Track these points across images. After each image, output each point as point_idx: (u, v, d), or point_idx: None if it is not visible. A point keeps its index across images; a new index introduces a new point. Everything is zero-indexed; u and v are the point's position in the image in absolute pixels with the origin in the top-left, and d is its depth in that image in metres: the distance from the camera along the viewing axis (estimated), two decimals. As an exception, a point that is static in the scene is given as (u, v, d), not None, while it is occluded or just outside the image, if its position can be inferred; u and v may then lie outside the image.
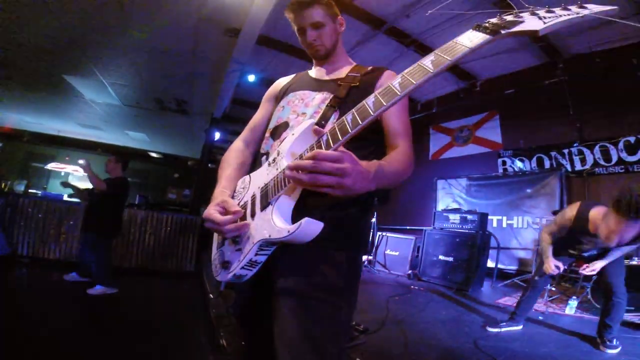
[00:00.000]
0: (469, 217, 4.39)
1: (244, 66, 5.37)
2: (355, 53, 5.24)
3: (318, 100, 1.06)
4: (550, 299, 3.62)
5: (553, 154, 5.15)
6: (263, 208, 0.90)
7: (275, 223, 0.83)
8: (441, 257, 4.49)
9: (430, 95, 6.83)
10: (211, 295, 1.50)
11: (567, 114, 4.89)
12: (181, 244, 5.24)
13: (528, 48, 5.06)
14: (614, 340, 2.31)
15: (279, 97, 1.21)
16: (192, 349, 2.13)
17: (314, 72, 1.23)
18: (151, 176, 11.93)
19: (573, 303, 3.30)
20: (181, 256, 5.22)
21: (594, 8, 0.64)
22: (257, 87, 5.96)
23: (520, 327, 2.68)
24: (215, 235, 1.04)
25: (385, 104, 0.71)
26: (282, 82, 1.28)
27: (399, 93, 0.70)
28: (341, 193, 0.73)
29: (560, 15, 0.66)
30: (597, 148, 4.71)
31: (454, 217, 4.57)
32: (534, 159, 5.38)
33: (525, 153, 5.47)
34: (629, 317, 2.88)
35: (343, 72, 1.16)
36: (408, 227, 5.36)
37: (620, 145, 4.51)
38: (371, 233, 5.93)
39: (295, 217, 0.84)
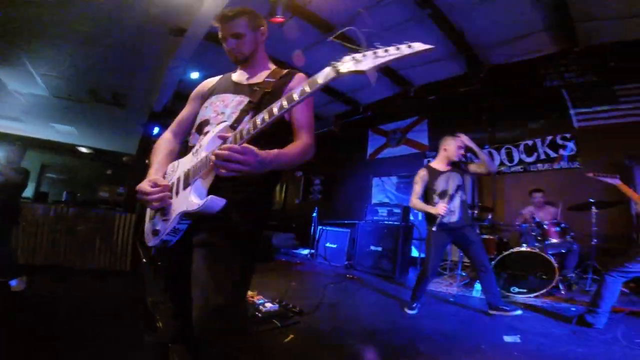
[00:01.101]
0: (395, 210, 4.87)
1: (188, 63, 5.30)
2: (306, 55, 5.40)
3: (235, 102, 1.29)
4: (463, 283, 4.18)
5: (469, 155, 5.86)
6: (185, 187, 1.15)
7: (191, 199, 1.09)
8: (372, 248, 4.91)
9: (370, 99, 7.23)
10: (144, 260, 1.60)
11: (481, 120, 5.63)
12: (114, 241, 5.00)
13: (456, 58, 5.45)
14: (505, 305, 2.83)
15: (205, 97, 1.41)
16: (129, 334, 2.17)
17: (236, 75, 1.42)
18: (80, 172, 10.99)
19: (478, 286, 3.79)
20: (114, 253, 4.97)
21: (418, 47, 0.92)
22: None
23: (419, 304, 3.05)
24: (148, 210, 1.28)
25: (274, 114, 1.00)
26: (207, 84, 1.48)
27: (275, 113, 0.99)
28: (246, 173, 1.01)
29: (391, 54, 0.92)
30: (503, 150, 5.50)
31: (382, 211, 5.04)
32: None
33: (448, 154, 6.16)
34: (522, 298, 3.45)
35: (261, 76, 1.36)
36: (347, 222, 5.71)
37: (521, 148, 5.33)
38: (312, 227, 6.24)
39: (208, 194, 1.11)
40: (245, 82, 1.37)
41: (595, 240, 3.53)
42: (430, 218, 2.96)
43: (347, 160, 8.12)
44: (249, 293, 2.65)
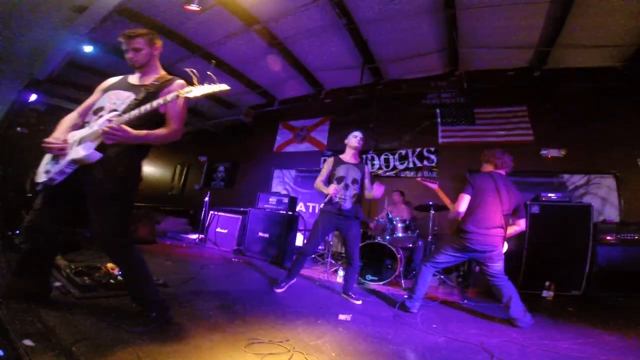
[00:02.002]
0: (284, 200, 5.24)
1: (84, 36, 4.93)
2: (225, 44, 5.42)
3: (125, 97, 1.93)
4: (332, 269, 4.70)
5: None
6: (78, 144, 1.82)
7: (80, 151, 1.78)
8: (261, 234, 5.19)
9: (286, 95, 7.47)
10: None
11: (369, 128, 6.35)
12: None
13: (366, 68, 5.84)
14: (353, 294, 3.28)
15: (105, 90, 2.03)
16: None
17: (133, 77, 2.05)
18: None
19: (341, 272, 4.31)
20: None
21: (222, 87, 1.71)
22: (105, 55, 5.65)
23: (294, 280, 3.39)
24: (45, 158, 1.91)
25: (149, 108, 1.77)
26: (110, 81, 2.08)
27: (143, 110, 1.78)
28: (121, 141, 1.75)
29: (205, 89, 1.71)
30: (382, 156, 6.32)
31: (273, 199, 5.36)
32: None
33: (338, 155, 6.79)
34: (373, 285, 4.01)
35: (150, 79, 2.00)
36: (242, 209, 5.86)
37: (397, 156, 6.20)
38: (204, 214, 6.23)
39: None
40: (136, 83, 2.01)
41: (430, 237, 4.32)
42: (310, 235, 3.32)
43: (254, 150, 8.27)
44: (110, 265, 2.65)
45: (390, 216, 4.51)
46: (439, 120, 5.99)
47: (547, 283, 3.70)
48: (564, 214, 3.83)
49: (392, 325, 2.62)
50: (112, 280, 2.45)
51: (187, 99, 1.81)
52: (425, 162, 5.89)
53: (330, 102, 6.97)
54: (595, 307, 3.39)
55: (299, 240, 5.61)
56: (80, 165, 1.80)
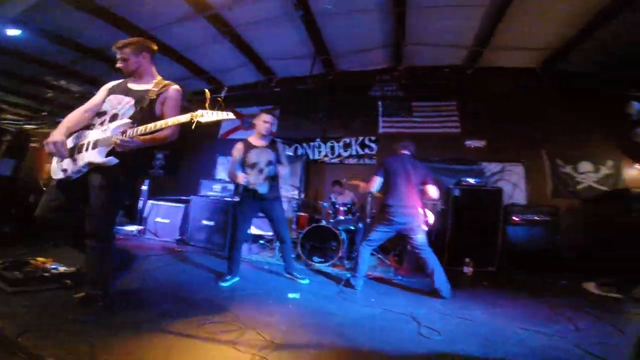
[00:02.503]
0: (228, 186, 5.21)
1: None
2: (171, 29, 5.10)
3: (125, 102, 2.14)
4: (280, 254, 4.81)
5: (304, 144, 6.76)
6: (93, 148, 2.04)
7: (97, 156, 2.01)
8: (205, 222, 5.09)
9: (234, 82, 7.24)
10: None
11: (317, 117, 6.51)
12: None
13: (317, 59, 5.90)
14: (300, 273, 3.44)
15: (109, 92, 2.21)
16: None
17: (131, 82, 2.24)
18: None
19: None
20: None
21: (230, 115, 2.01)
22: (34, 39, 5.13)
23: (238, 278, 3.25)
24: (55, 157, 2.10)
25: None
26: (112, 84, 2.27)
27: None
28: (129, 150, 2.00)
29: (215, 115, 1.97)
30: (328, 144, 6.55)
31: (217, 186, 5.29)
32: (293, 147, 6.85)
33: (287, 142, 6.88)
34: (320, 267, 4.21)
35: (148, 85, 2.20)
36: (183, 197, 5.66)
37: (341, 144, 6.47)
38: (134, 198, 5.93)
39: (107, 156, 2.03)
40: (135, 88, 2.20)
41: (369, 220, 4.67)
42: (238, 187, 3.35)
43: (197, 137, 7.91)
44: (40, 259, 2.50)
45: (333, 200, 4.76)
46: (380, 111, 6.36)
47: (467, 260, 4.24)
48: (480, 197, 4.40)
49: (336, 301, 2.86)
50: (45, 274, 2.31)
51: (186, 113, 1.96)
52: (367, 150, 6.26)
53: (280, 91, 6.97)
54: (505, 281, 3.94)
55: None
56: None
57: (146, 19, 4.96)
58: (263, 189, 3.21)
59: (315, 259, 4.41)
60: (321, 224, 4.55)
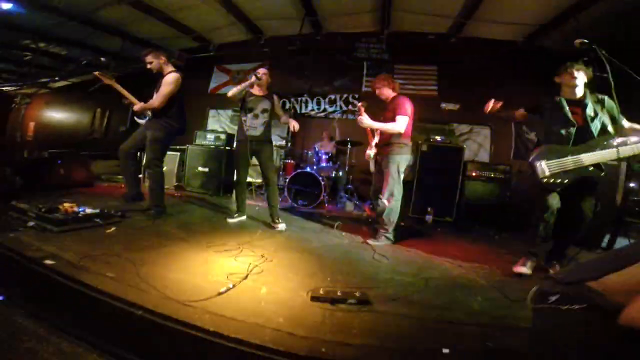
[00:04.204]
0: (221, 136, 5.68)
1: None
2: None
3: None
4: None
5: (292, 99, 7.13)
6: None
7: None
8: (200, 169, 5.63)
9: (223, 40, 7.38)
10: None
11: (304, 74, 6.82)
12: None
13: (307, 20, 6.20)
14: (279, 219, 3.69)
15: None
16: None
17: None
18: None
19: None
20: None
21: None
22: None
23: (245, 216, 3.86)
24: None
25: None
26: None
27: None
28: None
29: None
30: (315, 99, 6.96)
31: (210, 136, 5.75)
32: (280, 102, 7.19)
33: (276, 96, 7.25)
34: (304, 209, 4.88)
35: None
36: (179, 147, 6.07)
37: (327, 100, 6.89)
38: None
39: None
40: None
41: (347, 168, 5.30)
42: (235, 135, 3.82)
43: (186, 92, 8.08)
44: (67, 204, 2.95)
45: (317, 149, 5.33)
46: (364, 72, 6.71)
47: (429, 209, 4.93)
48: (444, 153, 4.98)
49: (316, 233, 3.63)
50: (79, 215, 2.86)
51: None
52: (351, 107, 6.72)
53: (269, 50, 7.18)
54: (458, 230, 4.57)
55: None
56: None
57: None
58: (256, 132, 3.59)
59: (300, 202, 5.08)
60: (305, 170, 5.13)
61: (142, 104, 3.49)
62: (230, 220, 3.69)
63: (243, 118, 3.63)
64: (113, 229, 2.85)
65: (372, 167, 3.81)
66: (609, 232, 3.86)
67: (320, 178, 5.00)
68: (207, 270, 2.18)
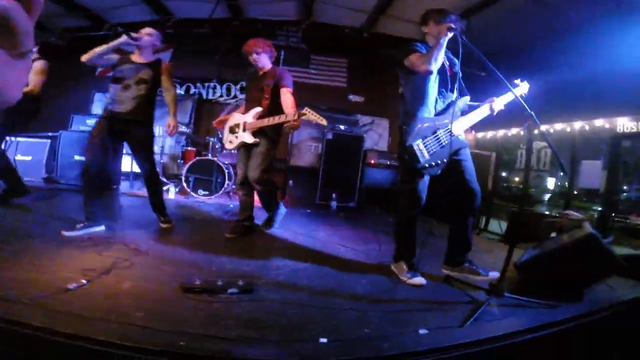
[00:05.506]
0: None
1: None
2: None
3: None
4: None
5: (199, 84, 6.62)
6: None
7: None
8: (77, 157, 4.76)
9: (122, 20, 6.32)
10: None
11: (215, 59, 6.33)
12: None
13: (225, 4, 5.81)
14: (167, 216, 3.03)
15: None
16: None
17: None
18: None
19: (173, 189, 4.77)
20: None
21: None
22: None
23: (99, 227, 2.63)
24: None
25: None
26: None
27: None
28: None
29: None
30: (225, 85, 6.58)
31: (90, 121, 5.02)
32: (184, 86, 6.65)
33: (180, 81, 6.63)
34: (204, 198, 4.56)
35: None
36: (50, 133, 5.07)
37: (238, 86, 6.58)
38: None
39: None
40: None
41: None
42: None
43: (68, 74, 6.84)
44: None
45: (220, 135, 5.00)
46: (282, 59, 6.56)
47: (334, 195, 5.08)
48: (347, 142, 5.20)
49: (209, 224, 3.40)
50: None
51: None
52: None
53: (176, 32, 6.42)
54: (358, 215, 4.81)
55: (126, 163, 5.36)
56: None
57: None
58: (125, 106, 2.66)
59: (201, 191, 4.70)
60: (207, 157, 4.77)
61: None
62: (67, 234, 2.40)
63: (109, 90, 2.74)
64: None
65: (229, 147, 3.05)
66: (483, 215, 4.43)
67: (225, 166, 4.70)
68: (63, 267, 1.81)
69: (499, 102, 2.28)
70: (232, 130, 2.92)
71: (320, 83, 6.53)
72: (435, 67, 2.06)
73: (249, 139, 2.77)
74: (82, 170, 2.74)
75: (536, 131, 2.02)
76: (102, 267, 1.83)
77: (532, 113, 1.94)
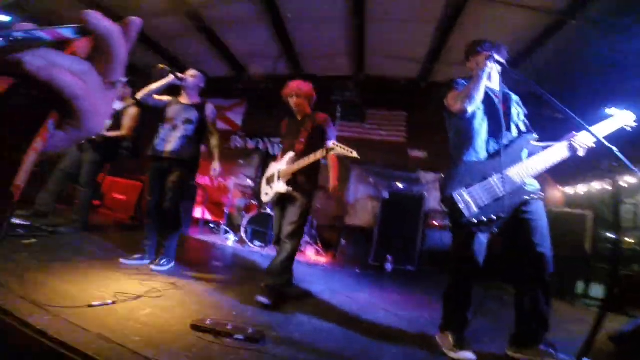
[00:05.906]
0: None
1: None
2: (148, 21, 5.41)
3: None
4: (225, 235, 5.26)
5: (266, 139, 7.18)
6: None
7: None
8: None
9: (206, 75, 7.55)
10: None
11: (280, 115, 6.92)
12: None
13: (286, 60, 6.35)
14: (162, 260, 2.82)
15: None
16: None
17: None
18: None
19: (232, 237, 5.05)
20: None
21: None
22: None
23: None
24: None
25: None
26: None
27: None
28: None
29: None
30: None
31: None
32: (255, 140, 7.29)
33: (250, 135, 7.33)
34: (258, 249, 4.76)
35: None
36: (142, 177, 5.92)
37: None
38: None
39: None
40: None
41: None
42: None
43: (153, 117, 8.13)
44: None
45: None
46: (338, 115, 6.86)
47: (389, 257, 4.69)
48: (405, 201, 4.93)
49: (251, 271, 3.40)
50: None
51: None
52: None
53: (248, 87, 7.29)
54: (415, 279, 4.36)
55: (199, 211, 5.90)
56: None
57: (130, 9, 5.25)
58: (170, 146, 2.77)
59: (257, 242, 4.85)
60: (266, 211, 4.97)
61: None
62: (122, 261, 2.65)
63: (159, 130, 2.89)
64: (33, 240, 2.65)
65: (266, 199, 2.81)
66: (581, 279, 3.80)
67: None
68: (101, 287, 1.97)
69: (583, 139, 1.79)
70: (269, 182, 2.72)
71: (377, 138, 6.48)
72: (471, 105, 1.87)
73: (282, 188, 2.52)
74: (146, 209, 2.91)
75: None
76: (133, 293, 1.94)
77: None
